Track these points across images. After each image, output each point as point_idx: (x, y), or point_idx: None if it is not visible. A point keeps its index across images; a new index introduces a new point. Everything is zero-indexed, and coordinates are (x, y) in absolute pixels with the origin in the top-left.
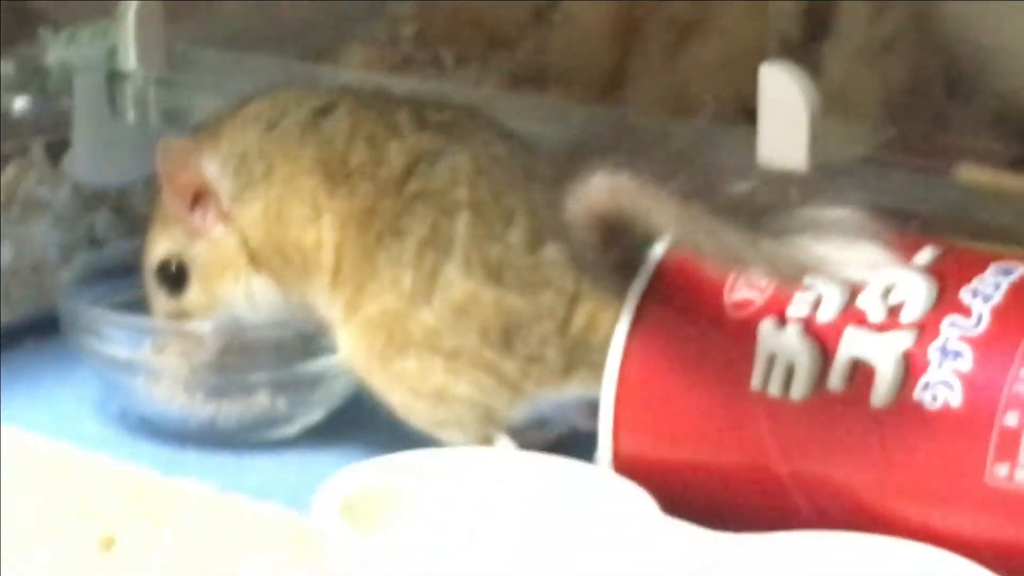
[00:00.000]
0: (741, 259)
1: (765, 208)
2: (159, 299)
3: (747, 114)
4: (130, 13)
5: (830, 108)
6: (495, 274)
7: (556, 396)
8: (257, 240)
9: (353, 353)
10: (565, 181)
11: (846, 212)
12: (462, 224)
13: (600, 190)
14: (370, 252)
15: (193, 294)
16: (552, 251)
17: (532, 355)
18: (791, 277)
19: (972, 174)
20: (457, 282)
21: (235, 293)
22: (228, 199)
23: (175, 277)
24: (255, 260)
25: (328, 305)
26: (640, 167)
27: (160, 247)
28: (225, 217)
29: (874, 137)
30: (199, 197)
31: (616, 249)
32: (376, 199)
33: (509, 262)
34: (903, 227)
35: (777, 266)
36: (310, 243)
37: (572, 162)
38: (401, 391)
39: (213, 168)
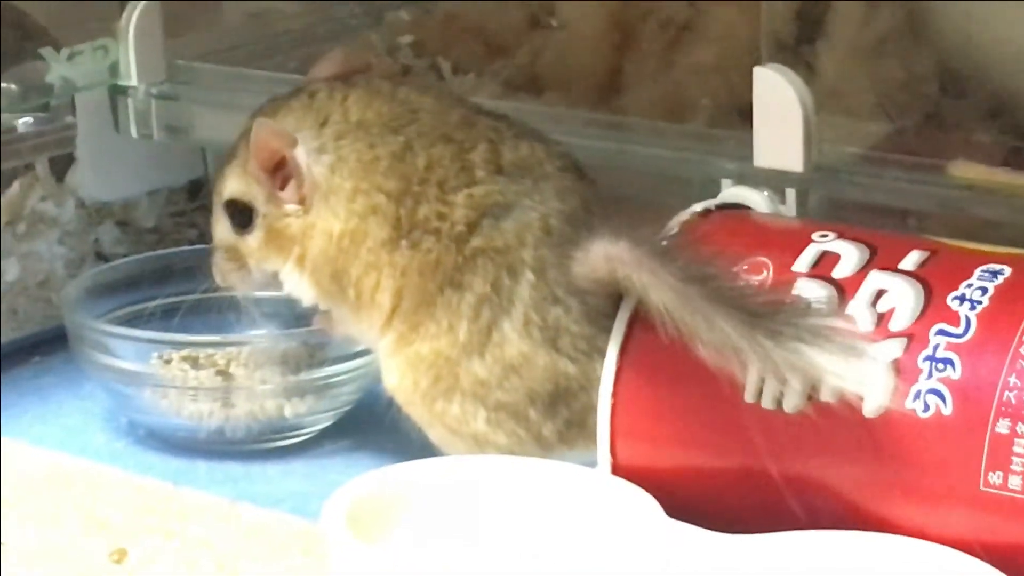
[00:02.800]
0: (734, 350)
1: (763, 305)
2: (221, 226)
3: (742, 116)
4: (130, 29)
5: (824, 108)
6: (551, 339)
7: (584, 455)
8: (318, 255)
9: (398, 385)
10: (569, 245)
11: (844, 324)
12: (525, 285)
13: (599, 259)
14: (431, 298)
15: (252, 242)
16: (610, 323)
17: (573, 420)
18: (782, 378)
19: (965, 170)
20: (512, 341)
21: (282, 273)
22: (311, 187)
23: (241, 217)
24: (302, 262)
25: (376, 337)
26: (641, 238)
27: (235, 185)
28: (302, 199)
29: (869, 136)
30: (280, 166)
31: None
32: (439, 253)
33: (567, 328)
34: (898, 225)
35: (771, 365)
36: (369, 286)
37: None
38: (439, 428)
39: (306, 148)
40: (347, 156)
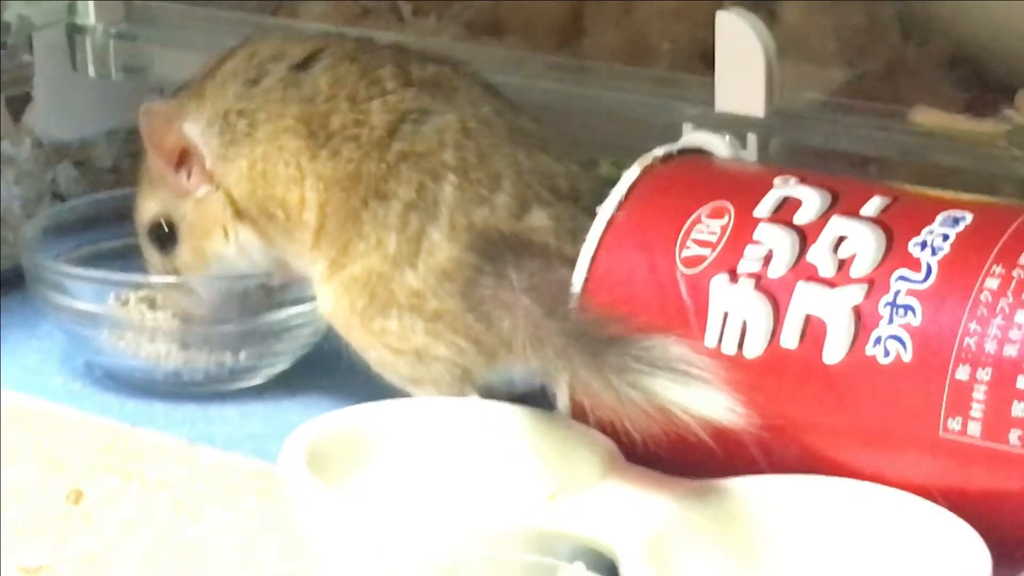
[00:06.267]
0: (587, 384)
1: (610, 336)
2: (153, 257)
3: (704, 60)
4: None
5: (786, 53)
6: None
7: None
8: (242, 197)
9: (334, 310)
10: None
11: (688, 353)
12: (448, 188)
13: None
14: (355, 213)
15: (184, 252)
16: (537, 217)
17: None
18: (635, 413)
19: (926, 117)
20: (442, 246)
21: (227, 248)
22: (212, 158)
23: (165, 236)
24: (240, 214)
25: (310, 262)
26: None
27: (150, 208)
28: (210, 177)
29: (830, 81)
30: (184, 158)
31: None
32: (360, 162)
33: (494, 227)
34: (859, 172)
35: (624, 401)
36: (294, 202)
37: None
38: (380, 348)
39: (197, 128)
40: (230, 108)
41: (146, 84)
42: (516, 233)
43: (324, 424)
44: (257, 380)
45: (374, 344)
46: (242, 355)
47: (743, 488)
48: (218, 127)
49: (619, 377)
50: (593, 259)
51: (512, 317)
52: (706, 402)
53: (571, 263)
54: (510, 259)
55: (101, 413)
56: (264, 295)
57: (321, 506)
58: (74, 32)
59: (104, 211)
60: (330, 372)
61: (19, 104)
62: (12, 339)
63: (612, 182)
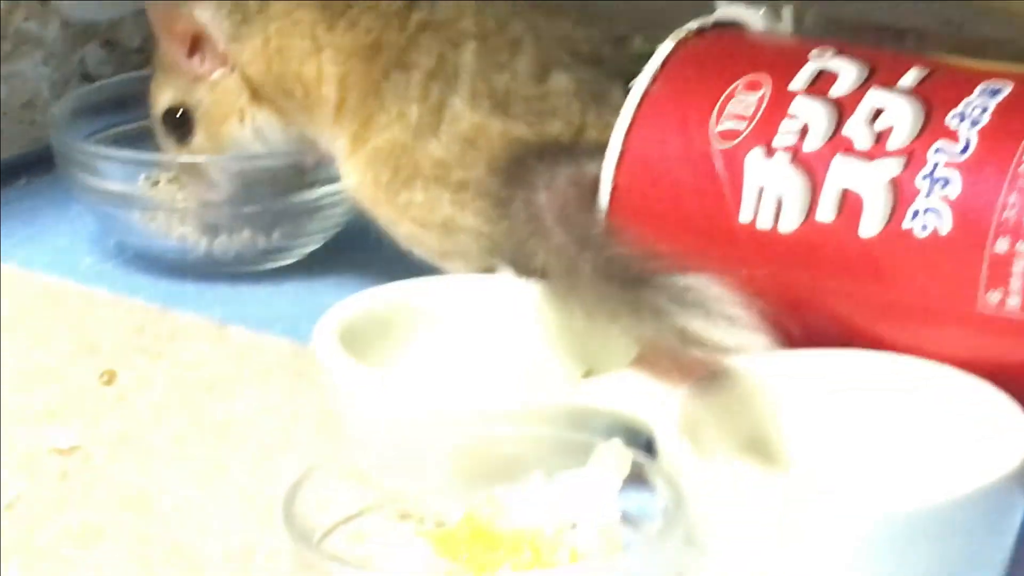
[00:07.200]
0: (620, 320)
1: (646, 273)
2: (169, 146)
3: None
4: None
5: None
6: (502, 105)
7: None
8: (257, 75)
9: (359, 185)
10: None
11: (725, 292)
12: (468, 55)
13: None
14: (376, 85)
15: (200, 139)
16: (559, 81)
17: None
18: (670, 350)
19: None
20: (464, 114)
21: (242, 132)
22: (225, 40)
23: (181, 124)
24: (256, 96)
25: (331, 138)
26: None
27: (164, 96)
28: (223, 59)
29: None
30: (196, 43)
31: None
32: (381, 32)
33: (516, 92)
34: (896, 43)
35: (659, 337)
36: (311, 76)
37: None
38: (407, 222)
39: (208, 12)
40: None
41: None
42: (541, 139)
43: (357, 303)
44: (289, 260)
45: (401, 218)
46: (274, 235)
47: (778, 362)
48: (228, 7)
49: (654, 316)
50: (628, 133)
51: (545, 251)
52: (743, 342)
53: (601, 150)
54: (541, 175)
55: (132, 294)
56: (296, 174)
57: (355, 384)
58: None
59: (133, 92)
60: (362, 252)
61: None
62: (42, 220)
63: (645, 57)
